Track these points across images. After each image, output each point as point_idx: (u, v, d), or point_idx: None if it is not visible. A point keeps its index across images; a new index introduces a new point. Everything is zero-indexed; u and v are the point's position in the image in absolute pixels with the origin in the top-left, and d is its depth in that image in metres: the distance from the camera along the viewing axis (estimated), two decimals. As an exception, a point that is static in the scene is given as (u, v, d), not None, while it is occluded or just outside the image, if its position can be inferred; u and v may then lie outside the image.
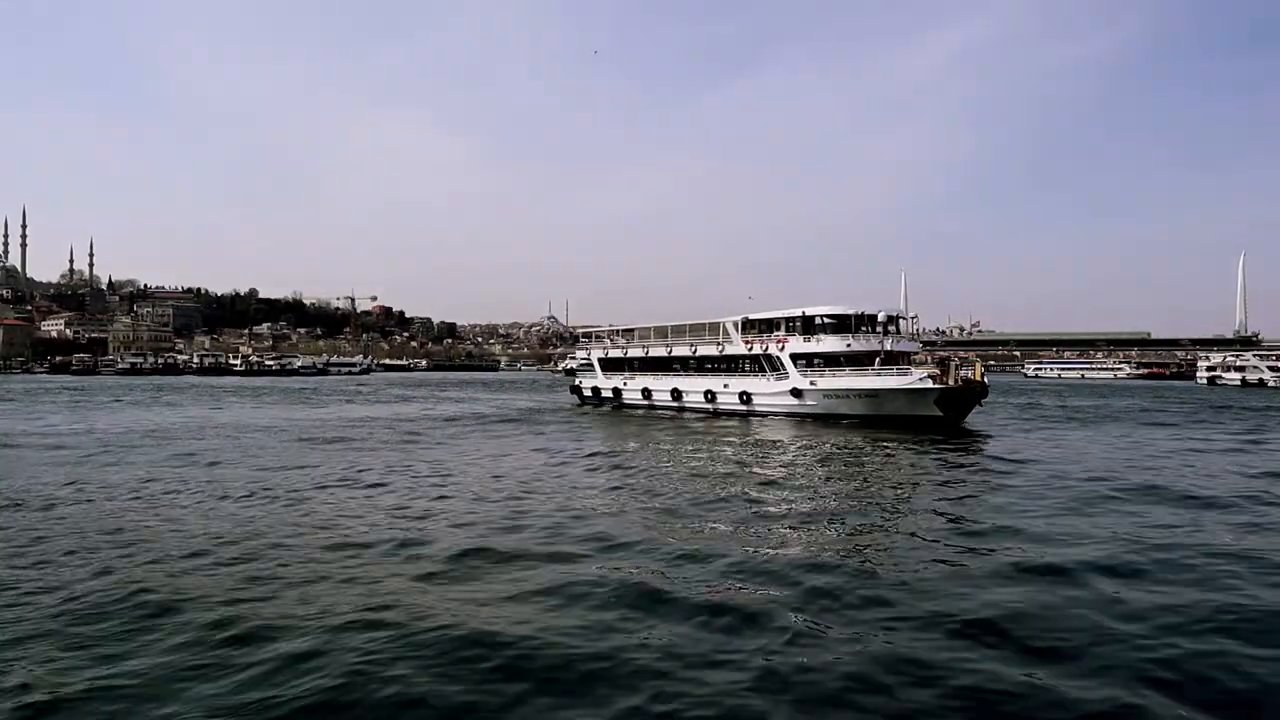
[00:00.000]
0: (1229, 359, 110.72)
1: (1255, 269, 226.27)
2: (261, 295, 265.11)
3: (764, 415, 36.50)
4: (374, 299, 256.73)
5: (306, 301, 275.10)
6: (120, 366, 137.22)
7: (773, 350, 37.07)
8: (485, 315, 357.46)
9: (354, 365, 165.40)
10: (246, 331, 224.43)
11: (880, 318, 35.19)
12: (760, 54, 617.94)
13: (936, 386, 31.16)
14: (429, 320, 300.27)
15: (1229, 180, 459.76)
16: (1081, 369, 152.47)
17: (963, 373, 33.08)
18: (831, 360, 35.05)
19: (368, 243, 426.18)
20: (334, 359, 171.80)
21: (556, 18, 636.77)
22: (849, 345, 34.67)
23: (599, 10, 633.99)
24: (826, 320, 36.10)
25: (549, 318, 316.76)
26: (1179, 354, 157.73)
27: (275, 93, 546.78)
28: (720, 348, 40.50)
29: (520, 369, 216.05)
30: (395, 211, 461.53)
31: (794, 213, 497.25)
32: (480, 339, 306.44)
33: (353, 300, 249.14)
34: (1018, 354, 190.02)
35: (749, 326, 39.31)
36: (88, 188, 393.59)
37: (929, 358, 39.47)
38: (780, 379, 36.45)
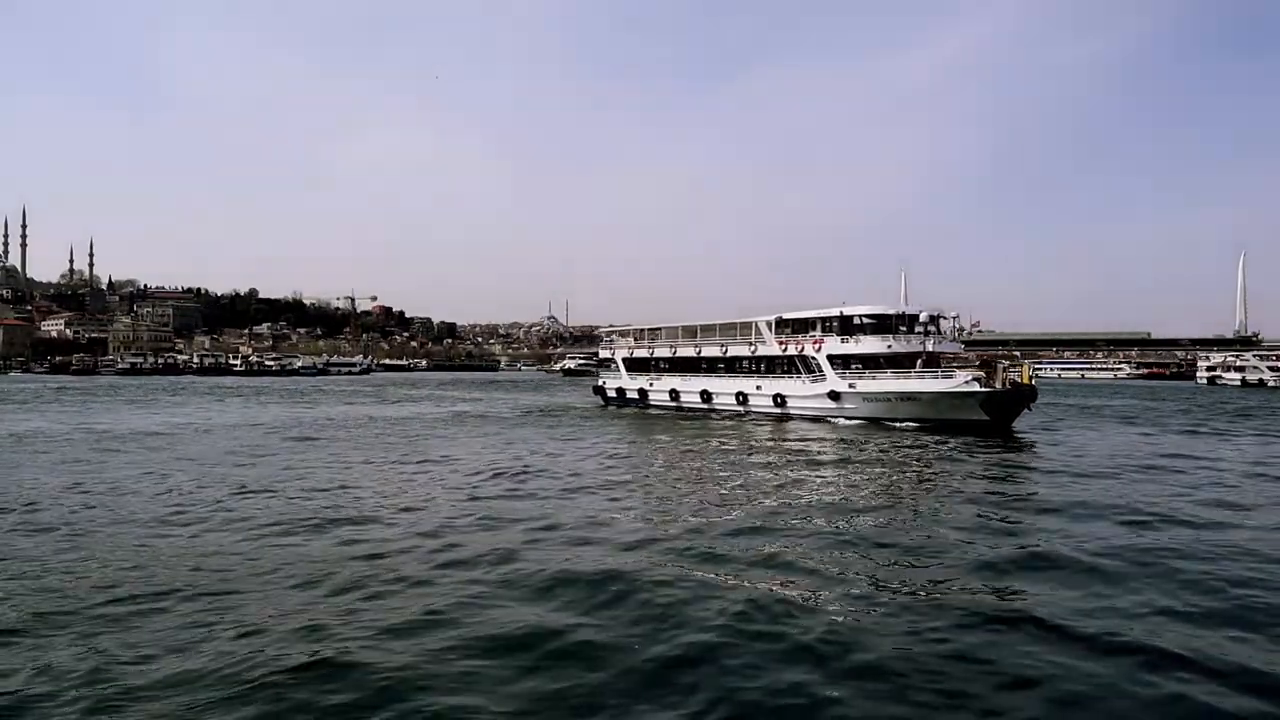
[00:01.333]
0: (1229, 359, 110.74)
1: (1255, 269, 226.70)
2: (261, 295, 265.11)
3: (798, 418, 35.17)
4: (374, 299, 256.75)
5: (306, 301, 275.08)
6: (120, 367, 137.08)
7: (808, 351, 35.77)
8: (485, 315, 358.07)
9: (354, 365, 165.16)
10: (246, 331, 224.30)
11: (922, 317, 34.11)
12: (759, 55, 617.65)
13: (983, 390, 29.78)
14: (429, 320, 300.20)
15: (1229, 180, 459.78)
16: (1081, 369, 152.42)
17: (1010, 375, 31.44)
18: (870, 362, 33.73)
19: (368, 243, 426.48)
20: (334, 359, 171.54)
21: (557, 18, 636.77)
22: (889, 346, 33.29)
23: (599, 9, 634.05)
24: (865, 320, 34.86)
25: (549, 318, 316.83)
26: (1179, 354, 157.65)
27: (275, 92, 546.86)
28: (752, 348, 39.23)
29: (520, 369, 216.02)
30: (396, 211, 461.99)
31: (794, 213, 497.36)
32: (480, 339, 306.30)
33: (353, 300, 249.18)
34: (1018, 354, 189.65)
35: (783, 326, 37.95)
36: (88, 187, 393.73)
37: (978, 358, 38.19)
38: (816, 381, 35.15)
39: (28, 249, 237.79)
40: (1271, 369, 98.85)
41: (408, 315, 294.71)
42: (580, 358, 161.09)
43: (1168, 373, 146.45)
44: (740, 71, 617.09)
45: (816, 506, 14.20)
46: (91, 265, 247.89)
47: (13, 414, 37.82)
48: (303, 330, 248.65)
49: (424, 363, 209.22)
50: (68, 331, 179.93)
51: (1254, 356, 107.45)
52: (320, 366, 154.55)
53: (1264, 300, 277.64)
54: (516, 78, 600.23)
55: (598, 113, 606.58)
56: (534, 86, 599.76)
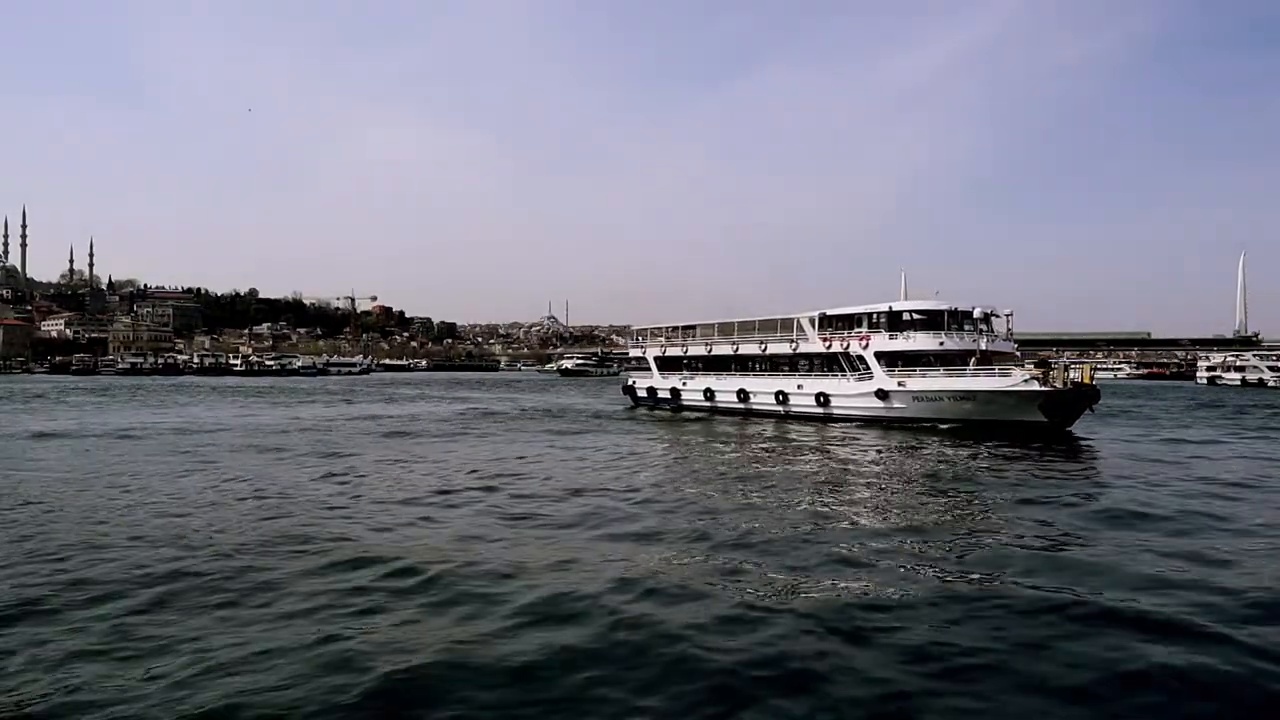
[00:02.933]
0: (1229, 359, 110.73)
1: (1255, 269, 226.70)
2: (261, 295, 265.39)
3: (843, 419, 33.89)
4: (374, 299, 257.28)
5: (306, 301, 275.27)
6: (120, 366, 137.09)
7: (855, 348, 34.24)
8: (485, 315, 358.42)
9: (354, 365, 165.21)
10: (246, 331, 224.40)
11: (975, 314, 32.75)
12: (759, 55, 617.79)
13: (1043, 389, 28.30)
14: (429, 320, 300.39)
15: (1229, 180, 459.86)
16: (1082, 369, 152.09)
17: (1071, 375, 30.10)
18: (920, 360, 32.28)
19: (368, 243, 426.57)
20: (334, 359, 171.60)
21: (557, 17, 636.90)
22: (942, 344, 31.91)
23: (599, 8, 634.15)
24: (916, 316, 33.48)
25: (549, 318, 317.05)
26: (1179, 354, 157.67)
27: (275, 91, 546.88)
28: (793, 345, 37.68)
29: (520, 369, 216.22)
30: (395, 211, 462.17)
31: (793, 213, 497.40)
32: (480, 339, 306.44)
33: (353, 300, 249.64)
34: (1018, 354, 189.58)
35: (826, 323, 36.47)
36: (88, 187, 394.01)
37: (1036, 357, 36.07)
38: (862, 379, 33.72)
39: (28, 249, 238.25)
40: (1271, 369, 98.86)
41: (408, 315, 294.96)
42: (578, 358, 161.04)
43: (1168, 373, 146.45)
44: (740, 71, 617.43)
45: (904, 529, 12.39)
46: (91, 265, 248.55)
47: (66, 412, 39.23)
48: (303, 330, 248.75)
49: (424, 363, 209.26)
50: (68, 331, 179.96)
51: (1254, 356, 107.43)
52: (320, 366, 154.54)
53: (1264, 300, 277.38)
54: (516, 78, 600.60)
55: (598, 113, 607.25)
56: (534, 87, 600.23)
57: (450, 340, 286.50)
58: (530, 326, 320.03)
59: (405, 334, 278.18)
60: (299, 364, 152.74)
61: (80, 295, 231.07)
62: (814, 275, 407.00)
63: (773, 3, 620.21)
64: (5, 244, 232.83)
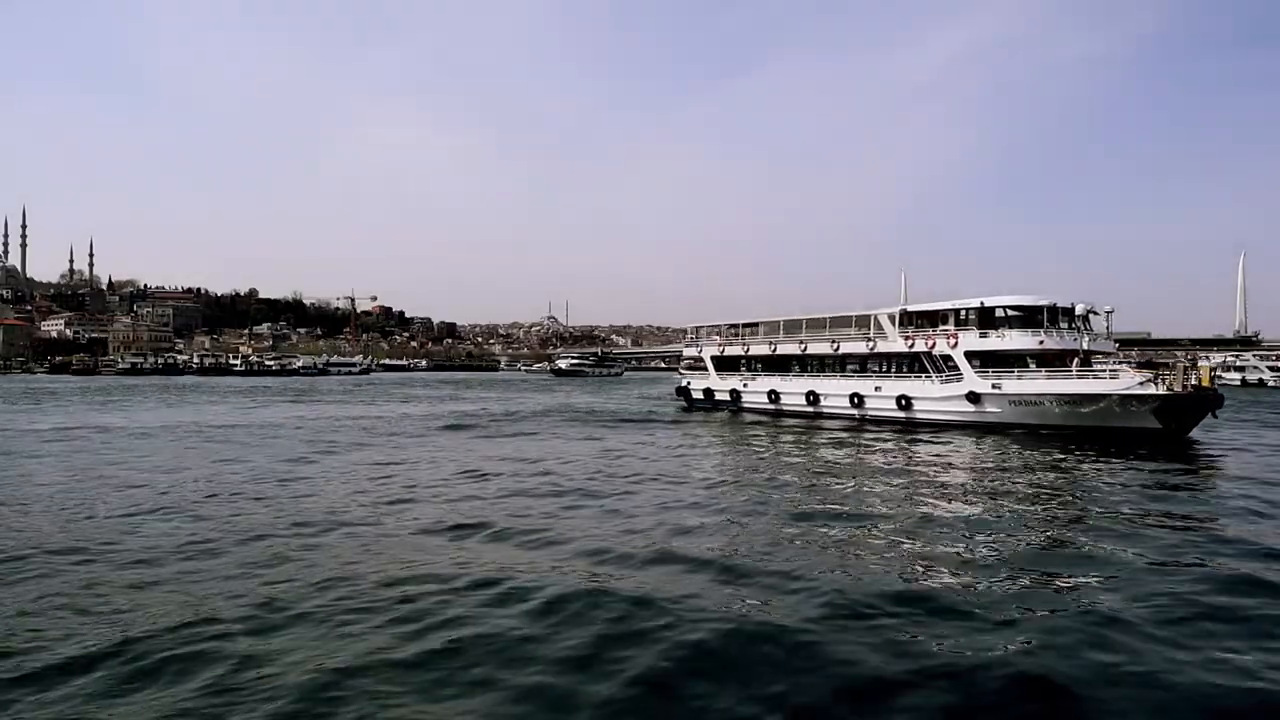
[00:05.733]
0: (1229, 359, 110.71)
1: (1255, 269, 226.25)
2: (261, 295, 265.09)
3: (926, 423, 31.57)
4: (374, 299, 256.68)
5: (306, 301, 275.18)
6: (120, 367, 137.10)
7: (942, 347, 31.98)
8: (485, 315, 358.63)
9: (354, 365, 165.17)
10: (246, 331, 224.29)
11: (1078, 310, 30.50)
12: (760, 55, 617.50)
13: (1160, 393, 26.06)
14: (429, 320, 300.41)
15: (1229, 180, 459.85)
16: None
17: (1189, 377, 27.13)
18: (1014, 360, 30.17)
19: (368, 243, 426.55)
20: (334, 359, 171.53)
21: (557, 16, 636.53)
22: (1041, 343, 29.60)
23: (599, 7, 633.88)
24: (1011, 313, 31.18)
25: (549, 318, 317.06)
26: (1179, 354, 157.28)
27: (275, 91, 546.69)
28: (870, 344, 35.44)
29: (520, 369, 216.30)
30: (395, 211, 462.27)
31: (794, 212, 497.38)
32: (480, 339, 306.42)
33: (353, 300, 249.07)
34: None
35: (906, 319, 34.42)
36: (88, 187, 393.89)
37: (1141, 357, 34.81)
38: (950, 381, 31.52)
39: (28, 249, 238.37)
40: (1271, 369, 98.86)
41: (408, 315, 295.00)
42: (572, 357, 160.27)
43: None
44: (741, 71, 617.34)
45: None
46: (91, 265, 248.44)
47: (86, 412, 39.92)
48: (303, 330, 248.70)
49: (424, 363, 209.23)
50: (68, 331, 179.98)
51: (1254, 356, 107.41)
52: (320, 366, 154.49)
53: (1264, 300, 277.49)
54: (517, 77, 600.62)
55: (599, 113, 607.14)
56: (535, 86, 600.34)
57: (450, 340, 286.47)
58: (530, 326, 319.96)
59: (405, 334, 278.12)
60: (299, 364, 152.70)
61: (80, 295, 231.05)
62: (815, 275, 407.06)
63: (773, 2, 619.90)
64: (5, 244, 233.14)
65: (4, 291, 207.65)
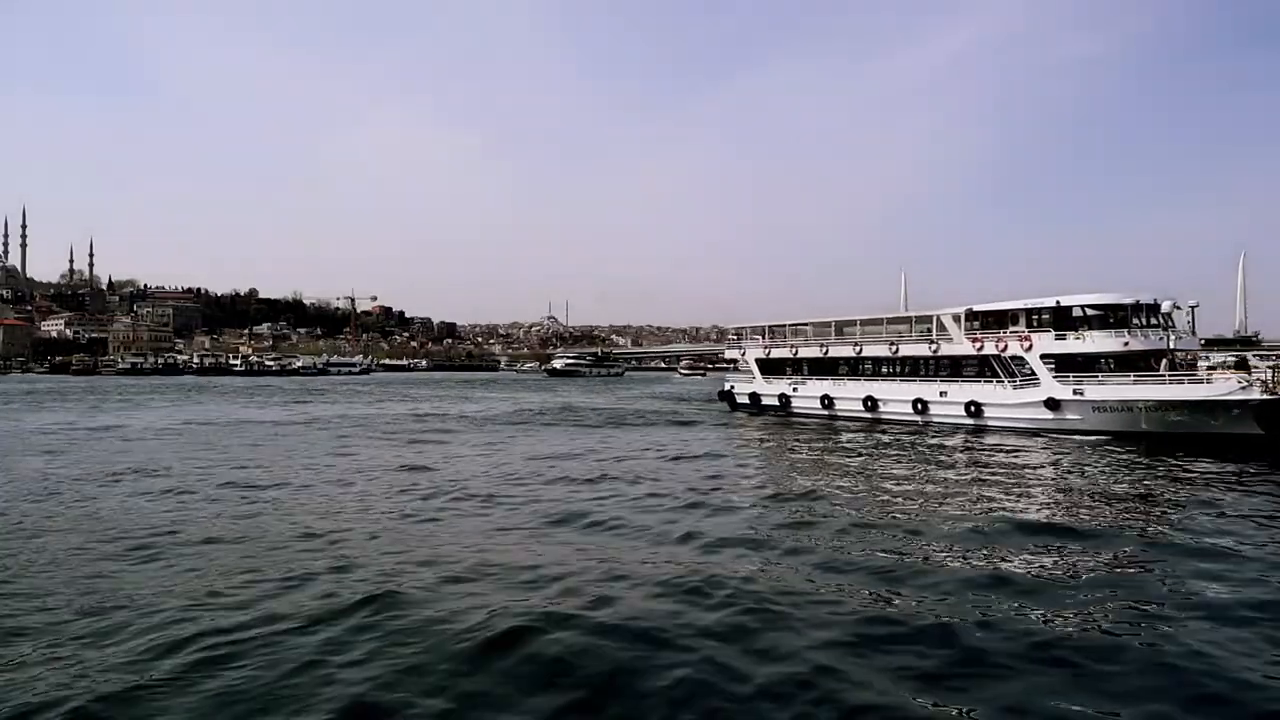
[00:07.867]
0: (1229, 359, 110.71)
1: (1255, 269, 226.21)
2: (261, 295, 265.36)
3: (998, 430, 29.65)
4: (374, 299, 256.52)
5: (306, 301, 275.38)
6: (120, 367, 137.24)
7: (1015, 349, 30.21)
8: (485, 315, 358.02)
9: (354, 365, 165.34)
10: (246, 331, 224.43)
11: (1164, 307, 28.39)
12: (759, 54, 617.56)
13: (1263, 398, 24.06)
14: (429, 320, 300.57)
15: (1229, 180, 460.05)
16: None
17: None
18: (1094, 363, 28.38)
19: (368, 243, 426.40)
20: (334, 359, 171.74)
21: (557, 15, 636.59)
22: (1126, 344, 27.64)
23: (598, 7, 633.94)
24: (1090, 312, 28.96)
25: (549, 318, 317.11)
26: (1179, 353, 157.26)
27: (275, 90, 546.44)
28: (934, 346, 33.56)
29: (520, 369, 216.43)
30: (396, 210, 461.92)
31: (794, 212, 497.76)
32: (480, 339, 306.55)
33: (353, 300, 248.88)
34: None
35: (973, 320, 32.44)
36: (88, 187, 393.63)
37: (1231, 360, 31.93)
38: (1024, 385, 29.73)
39: (28, 249, 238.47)
40: (1271, 369, 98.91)
41: (408, 315, 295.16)
42: (568, 357, 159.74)
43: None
44: (740, 70, 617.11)
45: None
46: (91, 265, 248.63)
47: (118, 409, 42.55)
48: (303, 330, 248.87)
49: (424, 363, 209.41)
50: (68, 331, 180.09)
51: (1254, 356, 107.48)
52: (320, 366, 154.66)
53: (1264, 300, 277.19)
54: (516, 77, 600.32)
55: (598, 113, 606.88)
56: (534, 86, 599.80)
57: (450, 340, 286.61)
58: (530, 326, 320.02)
59: (405, 334, 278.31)
60: (299, 364, 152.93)
61: (80, 295, 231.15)
62: (815, 274, 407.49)
63: (773, 1, 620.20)
64: (5, 244, 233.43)
65: (4, 291, 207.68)
